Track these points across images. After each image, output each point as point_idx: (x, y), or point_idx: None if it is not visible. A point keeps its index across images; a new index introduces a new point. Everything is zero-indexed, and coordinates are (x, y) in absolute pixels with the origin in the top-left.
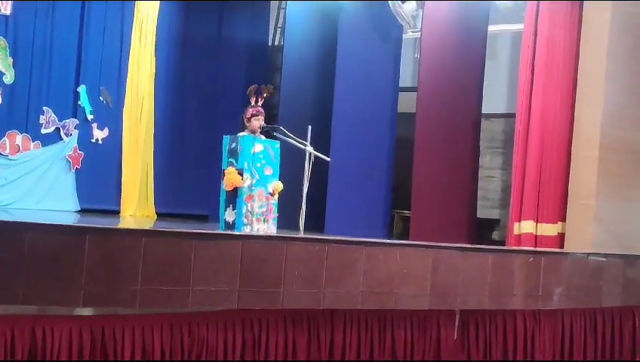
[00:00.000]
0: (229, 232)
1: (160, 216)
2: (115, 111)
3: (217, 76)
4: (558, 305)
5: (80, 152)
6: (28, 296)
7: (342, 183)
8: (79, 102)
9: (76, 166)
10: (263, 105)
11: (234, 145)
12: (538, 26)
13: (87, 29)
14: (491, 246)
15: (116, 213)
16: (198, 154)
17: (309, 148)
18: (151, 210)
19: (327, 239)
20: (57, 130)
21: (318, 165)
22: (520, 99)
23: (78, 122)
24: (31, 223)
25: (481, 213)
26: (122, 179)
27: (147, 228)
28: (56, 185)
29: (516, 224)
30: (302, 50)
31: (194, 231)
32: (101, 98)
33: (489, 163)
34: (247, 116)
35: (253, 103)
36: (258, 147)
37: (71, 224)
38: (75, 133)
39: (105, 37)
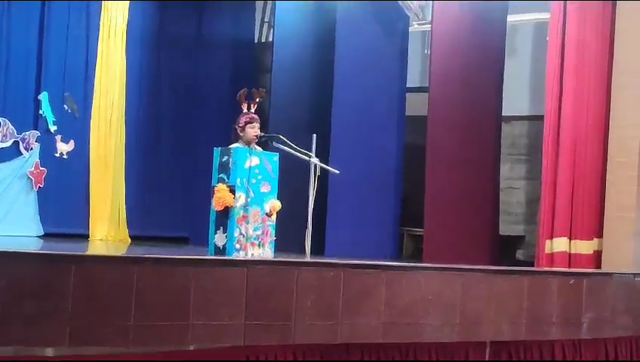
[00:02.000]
0: (233, 258)
1: (134, 239)
2: (81, 121)
3: (197, 79)
4: (601, 333)
5: (42, 168)
6: (2, 335)
7: (344, 198)
8: (40, 112)
9: (38, 184)
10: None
11: (225, 158)
12: (567, 18)
13: (49, 29)
14: (527, 268)
15: (85, 237)
16: (176, 169)
17: (315, 160)
18: (124, 233)
19: (343, 263)
20: (16, 143)
21: (302, 176)
22: (548, 100)
23: (39, 134)
24: (6, 252)
25: (503, 229)
26: (91, 199)
27: (140, 255)
28: (15, 207)
29: (548, 241)
30: (294, 48)
31: (192, 257)
32: (65, 106)
33: (510, 172)
34: (241, 124)
35: (245, 110)
36: (254, 160)
37: (54, 252)
38: (37, 146)
39: (69, 37)
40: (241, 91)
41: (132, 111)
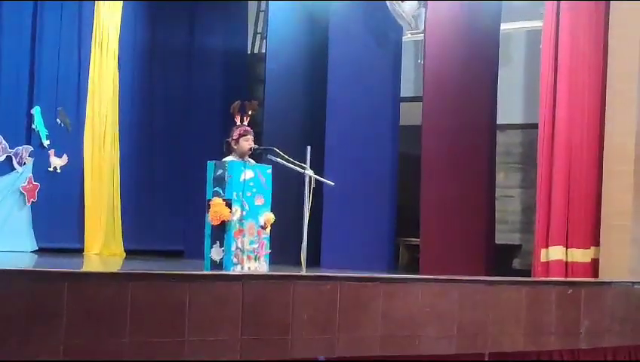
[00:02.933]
0: (228, 273)
1: (129, 253)
2: (74, 134)
3: (190, 91)
4: (600, 342)
5: (35, 183)
6: None
7: (339, 209)
8: (33, 126)
9: (32, 199)
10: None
11: (220, 172)
12: (560, 25)
13: (40, 42)
14: (525, 278)
15: (79, 251)
16: (170, 181)
17: (309, 172)
18: (119, 248)
19: (339, 276)
20: (9, 158)
21: (296, 188)
22: (542, 108)
23: (32, 149)
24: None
25: (499, 237)
26: (85, 213)
27: (134, 271)
28: (8, 222)
29: (543, 250)
30: (287, 59)
31: (187, 272)
32: (58, 120)
33: (505, 180)
34: (235, 137)
35: (238, 122)
36: (248, 173)
37: (47, 269)
38: (30, 161)
39: (60, 50)
40: (235, 104)
41: (125, 125)
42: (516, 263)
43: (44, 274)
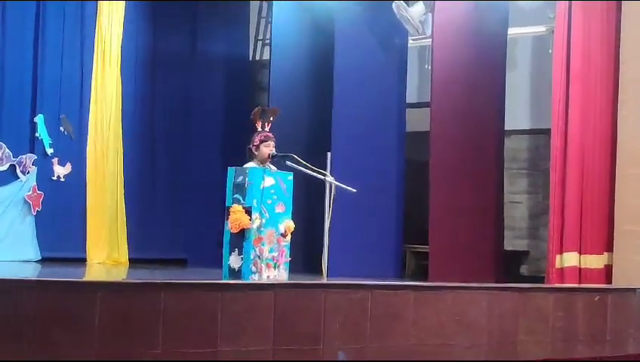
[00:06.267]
0: (259, 281)
1: (132, 262)
2: (77, 142)
3: (192, 98)
4: (626, 349)
5: (39, 192)
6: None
7: (345, 216)
8: (37, 134)
9: (36, 208)
10: None
11: (240, 178)
12: (572, 28)
13: (43, 50)
14: (552, 286)
15: (82, 260)
16: (173, 190)
17: (330, 179)
18: (123, 256)
19: (370, 284)
20: (13, 167)
21: (317, 194)
22: (555, 112)
23: (36, 157)
24: (32, 280)
25: (507, 244)
26: (88, 222)
27: (166, 280)
28: (12, 231)
29: (558, 256)
30: (291, 65)
31: (219, 282)
32: (61, 128)
33: (512, 186)
34: (256, 143)
35: (259, 128)
36: (268, 181)
37: (81, 280)
38: (34, 170)
39: (63, 58)
40: (256, 109)
41: (128, 132)
42: (524, 270)
43: (77, 285)
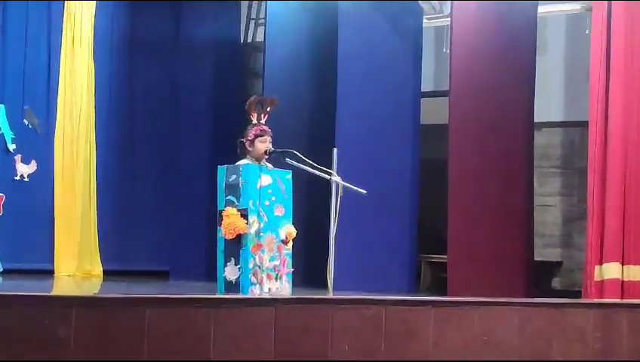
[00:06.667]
0: (258, 296)
1: (107, 274)
2: (44, 137)
3: (176, 87)
4: None
5: (0, 194)
6: None
7: (351, 221)
8: None
9: None
10: None
11: (233, 177)
12: (612, 5)
13: (4, 35)
14: (593, 301)
15: (50, 273)
16: (154, 192)
17: (336, 178)
18: (96, 268)
19: (384, 300)
20: None
21: (318, 195)
22: (593, 105)
23: None
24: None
25: (537, 253)
26: (56, 228)
27: (152, 295)
28: None
29: (597, 268)
30: (289, 48)
31: (212, 296)
32: (25, 121)
33: (543, 187)
34: (250, 137)
35: (254, 121)
36: (265, 180)
37: (53, 294)
38: None
39: (27, 42)
40: (251, 99)
41: (102, 126)
42: (556, 283)
43: (46, 300)
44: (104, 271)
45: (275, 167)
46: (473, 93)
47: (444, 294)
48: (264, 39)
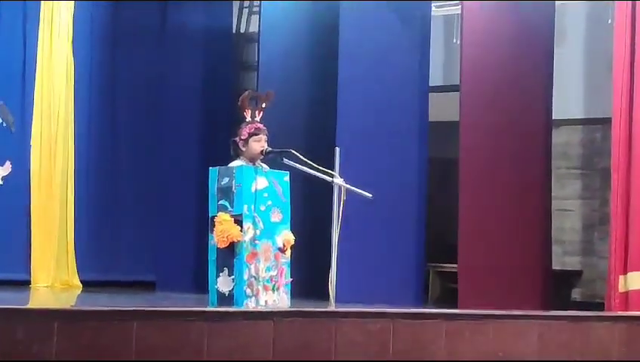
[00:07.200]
0: (254, 309)
1: (87, 285)
2: (18, 136)
3: (163, 81)
4: None
5: None
6: None
7: (354, 227)
8: None
9: None
10: None
11: (226, 180)
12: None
13: None
14: (621, 314)
15: (25, 283)
16: (138, 196)
17: (339, 181)
18: (73, 278)
19: (392, 313)
20: None
21: (319, 199)
22: (616, 98)
23: None
24: None
25: (555, 262)
26: (32, 235)
27: (139, 307)
28: None
29: (621, 277)
30: (286, 39)
31: (206, 309)
32: None
33: (561, 190)
34: (244, 136)
35: (248, 118)
36: (261, 182)
37: (32, 307)
38: None
39: (1, 33)
40: (244, 94)
41: (82, 125)
42: (576, 294)
43: (24, 313)
44: (83, 282)
45: (271, 168)
46: (486, 88)
47: (455, 306)
48: (258, 29)
